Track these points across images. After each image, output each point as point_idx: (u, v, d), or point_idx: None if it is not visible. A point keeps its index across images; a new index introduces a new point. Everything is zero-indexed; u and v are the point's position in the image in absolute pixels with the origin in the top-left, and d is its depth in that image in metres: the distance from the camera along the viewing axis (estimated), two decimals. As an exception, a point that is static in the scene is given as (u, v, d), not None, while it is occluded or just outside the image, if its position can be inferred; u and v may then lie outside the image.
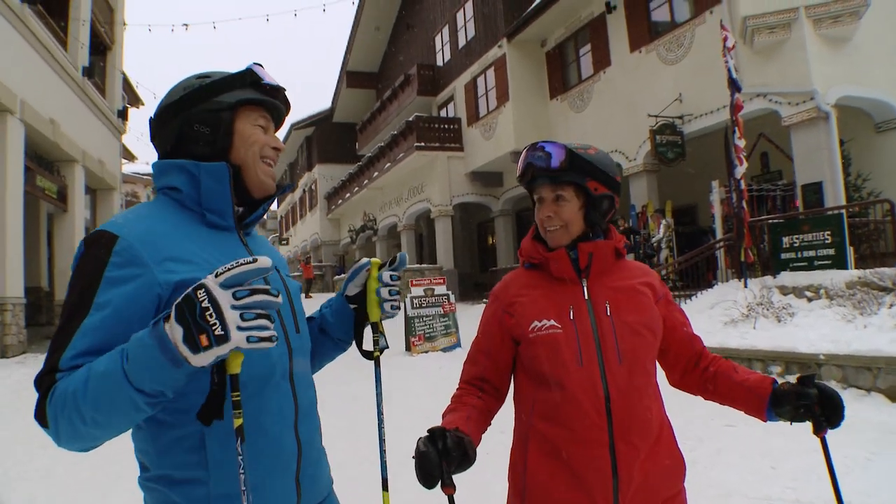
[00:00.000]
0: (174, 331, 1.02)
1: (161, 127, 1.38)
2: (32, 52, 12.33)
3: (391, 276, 1.63)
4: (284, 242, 45.87)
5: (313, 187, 36.43)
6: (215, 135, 1.35)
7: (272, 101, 1.44)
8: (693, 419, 5.83)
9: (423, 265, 22.40)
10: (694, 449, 5.05)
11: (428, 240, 27.08)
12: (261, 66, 1.43)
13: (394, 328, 10.89)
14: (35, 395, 1.13)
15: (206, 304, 1.01)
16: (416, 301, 11.52)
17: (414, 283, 11.99)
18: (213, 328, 1.01)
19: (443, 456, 1.45)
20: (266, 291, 1.05)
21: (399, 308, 1.67)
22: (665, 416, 1.73)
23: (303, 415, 1.39)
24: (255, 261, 1.05)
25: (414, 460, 1.48)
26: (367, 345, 1.66)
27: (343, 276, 27.91)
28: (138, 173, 37.54)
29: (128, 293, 1.16)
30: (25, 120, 11.61)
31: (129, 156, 26.31)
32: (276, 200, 1.54)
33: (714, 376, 1.78)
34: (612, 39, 15.97)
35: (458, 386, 1.81)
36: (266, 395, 1.30)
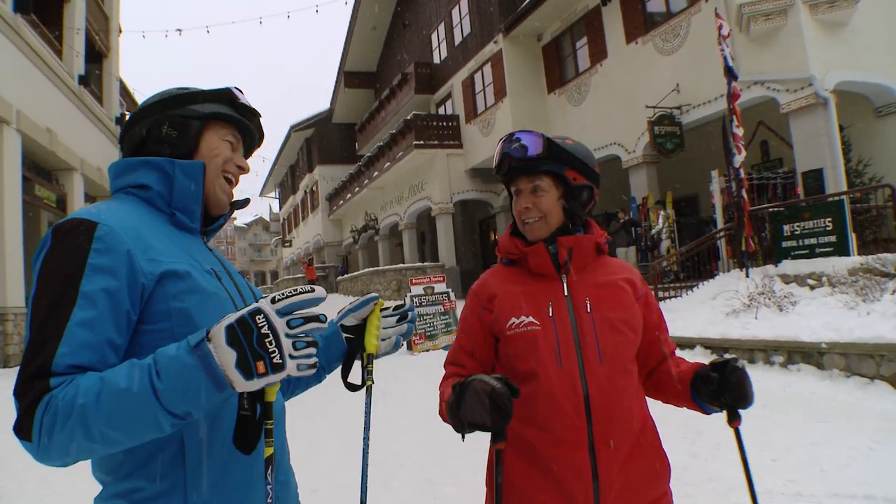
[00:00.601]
0: (223, 354, 0.98)
1: (131, 126, 1.36)
2: (27, 61, 12.36)
3: (408, 314, 1.61)
4: (287, 245, 45.90)
5: (314, 189, 36.41)
6: (181, 139, 1.33)
7: (245, 121, 1.43)
8: (691, 414, 5.72)
9: (425, 263, 22.35)
10: (694, 442, 5.00)
11: (430, 238, 27.05)
12: (240, 90, 1.44)
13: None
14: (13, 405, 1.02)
15: (265, 330, 1.00)
16: (416, 300, 11.48)
17: (414, 281, 11.95)
18: (272, 356, 0.99)
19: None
20: (316, 319, 1.05)
21: (400, 346, 1.64)
22: (648, 415, 1.67)
23: (274, 420, 1.34)
24: (312, 290, 1.05)
25: (470, 402, 1.34)
26: (353, 377, 1.58)
27: (346, 276, 27.94)
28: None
29: (115, 283, 1.09)
30: (22, 130, 11.65)
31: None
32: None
33: (659, 377, 1.73)
34: (608, 31, 15.89)
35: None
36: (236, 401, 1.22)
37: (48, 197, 13.66)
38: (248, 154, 1.50)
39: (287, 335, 1.01)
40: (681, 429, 5.32)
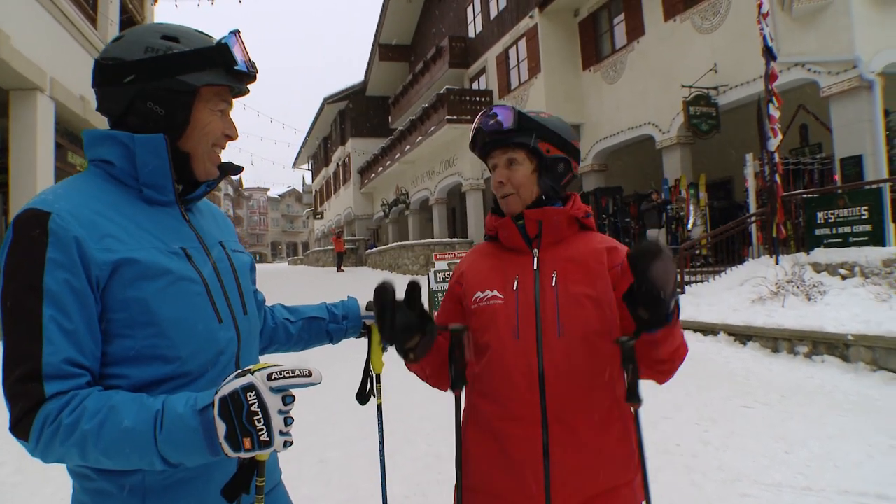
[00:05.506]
0: (216, 424, 1.01)
1: (109, 83, 1.23)
2: (61, 29, 12.46)
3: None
4: (319, 217, 46.23)
5: (346, 161, 36.52)
6: (170, 119, 1.24)
7: (240, 84, 1.32)
8: (709, 401, 5.69)
9: (454, 239, 22.32)
10: (707, 430, 4.92)
11: (460, 213, 26.98)
12: (238, 35, 1.30)
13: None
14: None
15: (255, 407, 1.01)
16: (439, 275, 11.45)
17: (438, 256, 11.93)
18: (260, 433, 1.01)
19: (409, 306, 1.40)
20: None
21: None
22: (621, 398, 1.54)
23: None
24: (310, 374, 1.06)
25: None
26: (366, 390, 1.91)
27: (375, 249, 28.11)
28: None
29: (73, 276, 1.07)
30: (55, 97, 11.78)
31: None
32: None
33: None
34: (646, 8, 15.48)
35: None
36: (208, 382, 1.22)
37: (81, 164, 13.87)
38: (239, 95, 1.38)
39: (280, 412, 1.03)
40: (695, 415, 5.25)
